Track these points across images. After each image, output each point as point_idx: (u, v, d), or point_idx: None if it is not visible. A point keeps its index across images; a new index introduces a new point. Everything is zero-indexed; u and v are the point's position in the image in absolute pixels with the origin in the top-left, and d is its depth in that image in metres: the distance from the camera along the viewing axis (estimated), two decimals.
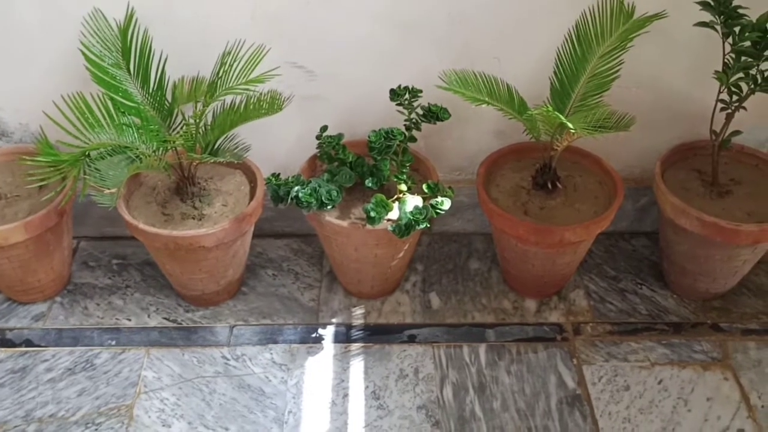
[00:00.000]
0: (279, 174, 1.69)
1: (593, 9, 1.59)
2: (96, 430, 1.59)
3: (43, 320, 1.85)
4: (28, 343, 1.79)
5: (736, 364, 1.74)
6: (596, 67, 1.62)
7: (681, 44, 1.74)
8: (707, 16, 1.56)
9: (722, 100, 1.65)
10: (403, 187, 1.68)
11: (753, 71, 1.56)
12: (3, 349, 1.77)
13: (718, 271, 1.80)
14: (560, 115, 1.47)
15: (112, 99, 1.58)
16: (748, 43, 1.53)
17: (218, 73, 1.60)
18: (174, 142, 1.60)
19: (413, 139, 1.73)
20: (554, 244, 1.71)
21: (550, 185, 1.76)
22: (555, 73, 1.69)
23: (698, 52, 1.73)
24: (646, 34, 1.57)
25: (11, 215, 1.71)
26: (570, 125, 1.45)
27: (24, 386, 1.68)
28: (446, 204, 1.63)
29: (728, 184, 1.79)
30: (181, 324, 1.85)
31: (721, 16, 1.53)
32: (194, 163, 1.72)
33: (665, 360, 1.75)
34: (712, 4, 1.53)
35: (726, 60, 1.59)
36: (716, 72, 1.61)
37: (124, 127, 1.56)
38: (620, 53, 1.60)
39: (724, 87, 1.62)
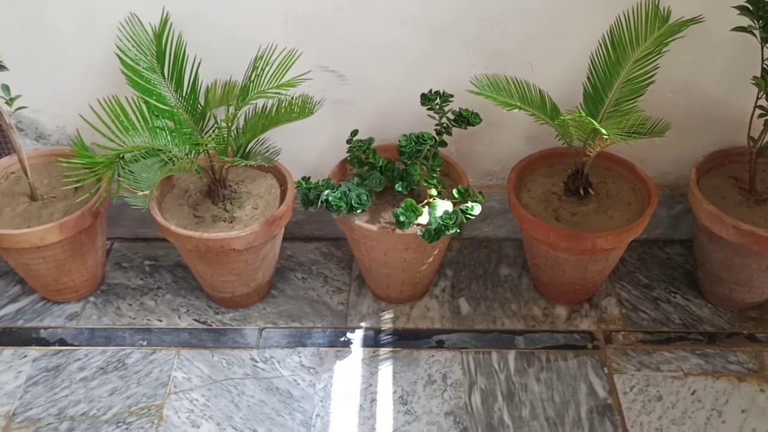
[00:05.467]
0: (309, 177, 1.69)
1: (628, 13, 1.58)
2: (126, 429, 1.61)
3: (77, 320, 1.88)
4: (62, 342, 1.82)
5: None
6: (630, 72, 1.60)
7: (718, 49, 1.70)
8: (745, 21, 1.53)
9: (761, 107, 1.62)
10: (433, 191, 1.67)
11: None
12: (37, 347, 1.81)
13: (754, 281, 1.77)
14: (593, 121, 1.45)
15: (146, 102, 1.61)
16: None
17: (250, 77, 1.62)
18: (206, 145, 1.61)
19: (444, 144, 1.72)
20: (586, 250, 1.69)
21: (582, 191, 1.74)
22: (588, 78, 1.68)
23: (736, 57, 1.70)
24: (681, 38, 1.55)
25: (47, 216, 1.74)
26: (603, 131, 1.44)
27: (57, 384, 1.71)
28: (476, 209, 1.62)
29: (766, 191, 1.75)
30: (211, 326, 1.86)
31: (760, 21, 1.51)
32: (226, 166, 1.73)
33: (699, 370, 1.72)
34: (751, 8, 1.51)
35: (765, 65, 1.56)
36: (754, 78, 1.58)
37: (157, 130, 1.59)
38: (655, 58, 1.58)
39: (762, 93, 1.59)
